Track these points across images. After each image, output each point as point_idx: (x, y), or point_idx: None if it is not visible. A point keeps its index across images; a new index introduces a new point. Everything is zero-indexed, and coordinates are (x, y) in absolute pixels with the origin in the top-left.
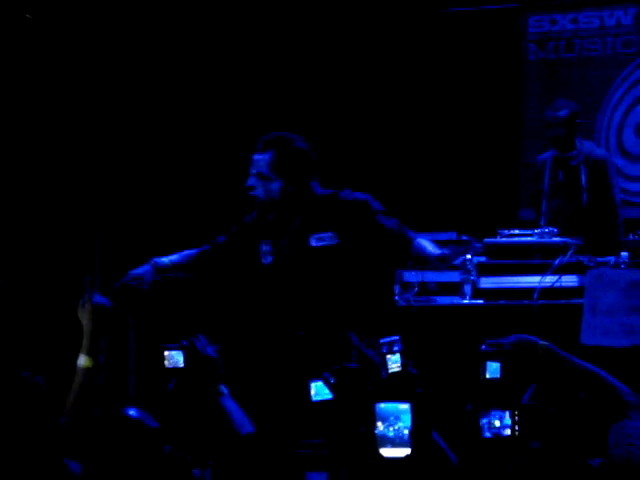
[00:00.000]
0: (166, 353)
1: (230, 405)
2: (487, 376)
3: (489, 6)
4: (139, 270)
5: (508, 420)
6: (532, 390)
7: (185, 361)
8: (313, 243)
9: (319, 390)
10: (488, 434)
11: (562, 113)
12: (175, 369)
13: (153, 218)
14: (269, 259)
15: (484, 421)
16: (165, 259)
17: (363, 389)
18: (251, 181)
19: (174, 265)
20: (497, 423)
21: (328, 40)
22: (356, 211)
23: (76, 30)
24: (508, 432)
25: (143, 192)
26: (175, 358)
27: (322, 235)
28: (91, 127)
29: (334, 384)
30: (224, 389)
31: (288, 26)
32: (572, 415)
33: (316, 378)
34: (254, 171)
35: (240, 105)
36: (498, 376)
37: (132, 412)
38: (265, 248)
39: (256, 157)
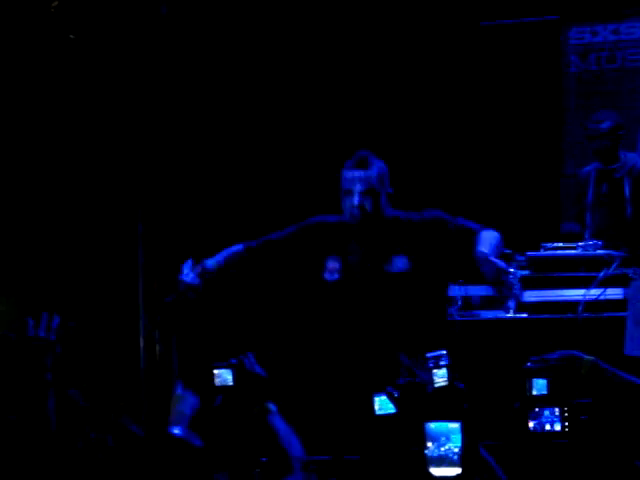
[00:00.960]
0: (215, 372)
1: (278, 423)
2: (534, 393)
3: (530, 18)
4: (189, 277)
5: (557, 416)
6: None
7: (234, 379)
8: (388, 268)
9: (383, 404)
10: (537, 429)
11: (605, 125)
12: (224, 387)
13: (195, 219)
14: (335, 277)
15: (533, 417)
16: (212, 261)
17: (426, 403)
18: (357, 199)
19: (220, 267)
20: (547, 419)
21: (372, 52)
22: (432, 229)
23: (118, 32)
24: (558, 428)
25: (184, 192)
26: (224, 376)
27: (398, 259)
28: (133, 134)
29: (398, 398)
30: (273, 407)
31: (330, 38)
32: (618, 420)
33: (380, 392)
34: (360, 188)
35: (287, 108)
36: (545, 393)
37: (177, 431)
38: (332, 265)
39: (361, 173)
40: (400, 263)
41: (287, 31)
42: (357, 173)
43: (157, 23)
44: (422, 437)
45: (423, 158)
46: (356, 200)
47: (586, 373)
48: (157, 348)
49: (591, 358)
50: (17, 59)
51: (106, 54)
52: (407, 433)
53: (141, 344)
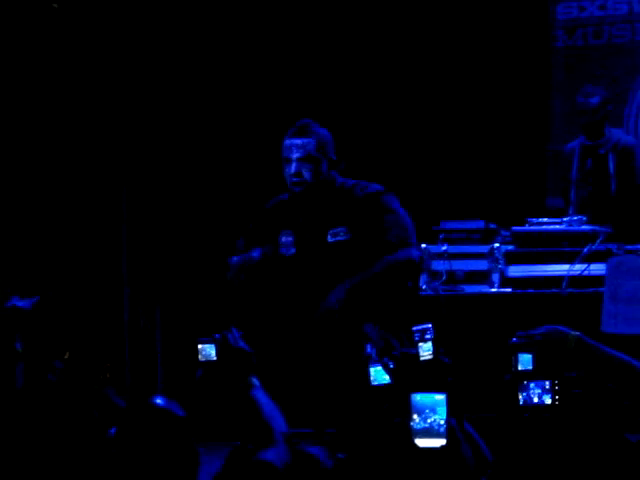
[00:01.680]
0: (199, 346)
1: (261, 397)
2: (519, 368)
3: None
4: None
5: (548, 389)
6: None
7: (217, 354)
8: (329, 239)
9: (377, 375)
10: (527, 402)
11: (594, 100)
12: (208, 362)
13: (178, 193)
14: (292, 250)
15: (523, 391)
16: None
17: (422, 374)
18: (296, 166)
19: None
20: (537, 392)
21: (356, 22)
22: (367, 205)
23: (110, 16)
24: (548, 401)
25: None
26: (207, 351)
27: (337, 230)
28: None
29: (393, 369)
30: (256, 381)
31: (303, 20)
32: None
33: (375, 363)
34: (298, 155)
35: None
36: (530, 368)
37: (159, 401)
38: (285, 239)
39: (299, 141)
40: (341, 233)
41: (281, 22)
42: (295, 141)
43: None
44: (407, 409)
45: (408, 133)
46: (293, 168)
47: (571, 348)
48: (141, 322)
49: (576, 333)
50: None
51: (94, 37)
52: (399, 404)
53: (125, 317)
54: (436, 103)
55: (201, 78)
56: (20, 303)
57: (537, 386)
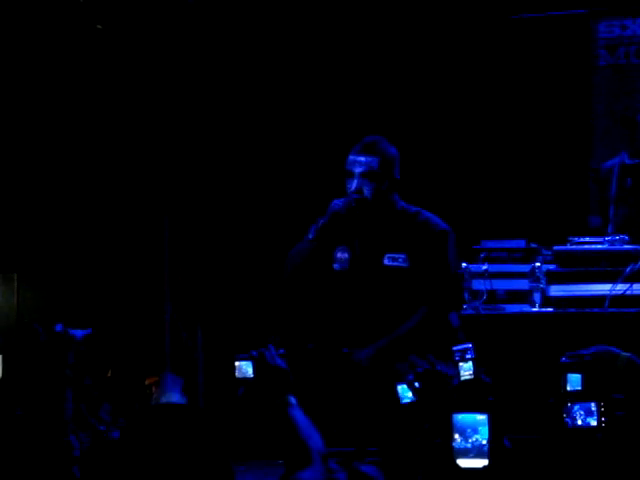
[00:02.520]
0: (236, 364)
1: (298, 416)
2: (568, 388)
3: (559, 12)
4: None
5: (594, 411)
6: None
7: (254, 371)
8: (386, 262)
9: (402, 393)
10: (573, 424)
11: None
12: (244, 379)
13: (218, 212)
14: (345, 267)
15: (569, 412)
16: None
17: (445, 393)
18: (358, 182)
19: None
20: (581, 414)
21: (400, 46)
22: (431, 239)
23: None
24: (594, 423)
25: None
26: (244, 369)
27: (396, 256)
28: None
29: (418, 388)
30: (292, 400)
31: (353, 30)
32: None
33: (401, 381)
34: (361, 171)
35: (308, 106)
36: (579, 388)
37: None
38: (341, 255)
39: (363, 158)
40: (400, 260)
41: (296, 23)
42: (360, 158)
43: (182, 19)
44: (449, 429)
45: (452, 152)
46: (355, 184)
47: (622, 369)
48: (183, 340)
49: (627, 354)
50: (41, 52)
51: (130, 51)
52: (426, 422)
53: (167, 336)
54: (481, 122)
55: (240, 99)
56: (72, 331)
57: (582, 408)
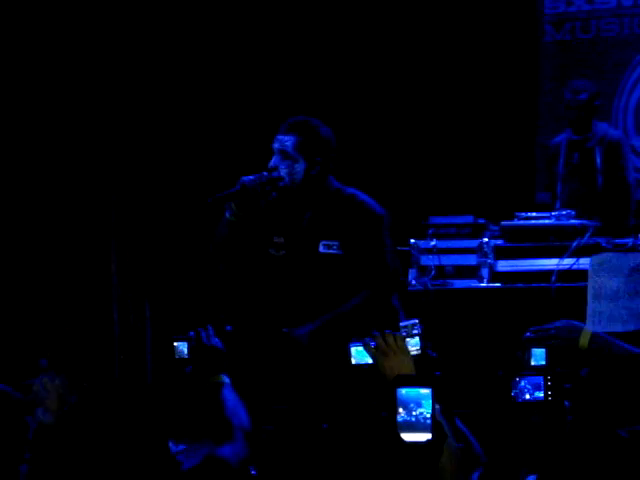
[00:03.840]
0: (175, 344)
1: (228, 394)
2: (532, 363)
3: None
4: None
5: (541, 385)
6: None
7: (189, 351)
8: (322, 250)
9: (358, 355)
10: (521, 399)
11: (583, 96)
12: (181, 359)
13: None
14: (282, 252)
15: (517, 386)
16: None
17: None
18: (275, 160)
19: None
20: (529, 388)
21: (344, 17)
22: (365, 225)
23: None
24: (541, 396)
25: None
26: (181, 349)
27: (331, 243)
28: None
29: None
30: (226, 379)
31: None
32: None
33: (356, 342)
34: (277, 149)
35: (265, 89)
36: (544, 363)
37: None
38: (277, 240)
39: (281, 137)
40: (335, 247)
41: (282, 21)
42: (280, 135)
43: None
44: (393, 403)
45: (398, 128)
46: (272, 161)
47: (584, 343)
48: (130, 317)
49: (591, 329)
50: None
51: (84, 39)
52: (381, 384)
53: (114, 314)
54: (425, 98)
55: (190, 79)
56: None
57: (529, 382)
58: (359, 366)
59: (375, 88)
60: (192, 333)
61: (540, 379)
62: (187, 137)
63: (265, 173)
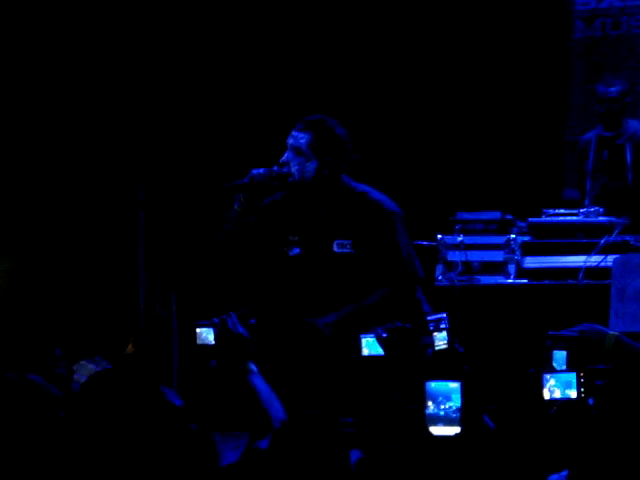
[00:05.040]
0: (197, 330)
1: (259, 384)
2: (554, 365)
3: None
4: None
5: (574, 383)
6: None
7: (215, 338)
8: (336, 249)
9: (370, 346)
10: (552, 397)
11: (614, 89)
12: (205, 346)
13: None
14: (295, 251)
15: (548, 384)
16: None
17: (414, 348)
18: (287, 156)
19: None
20: (560, 386)
21: (368, 14)
22: (378, 223)
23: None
24: (573, 394)
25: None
26: (205, 335)
27: (344, 242)
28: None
29: (386, 339)
30: (253, 367)
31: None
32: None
33: (367, 333)
34: (290, 145)
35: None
36: (564, 366)
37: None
38: (292, 238)
39: (296, 133)
40: (348, 246)
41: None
42: (294, 131)
43: None
44: (422, 396)
45: (428, 125)
46: (284, 156)
47: (609, 348)
48: (157, 308)
49: (615, 333)
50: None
51: (106, 35)
52: (393, 376)
53: (141, 303)
54: (456, 94)
55: (211, 72)
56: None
57: (560, 380)
58: (370, 357)
59: (408, 85)
60: (216, 320)
61: (572, 376)
62: (215, 128)
63: (275, 168)
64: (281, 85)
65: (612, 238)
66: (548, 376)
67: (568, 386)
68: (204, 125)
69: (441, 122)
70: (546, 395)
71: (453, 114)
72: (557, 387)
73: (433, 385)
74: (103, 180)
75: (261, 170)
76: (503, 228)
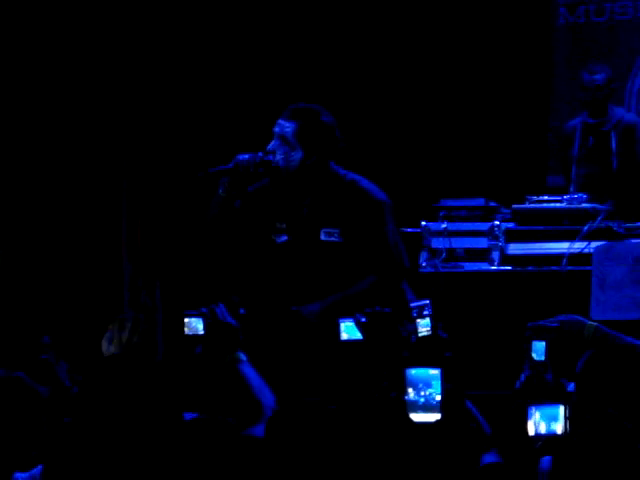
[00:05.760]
0: (186, 320)
1: (249, 372)
2: (534, 357)
3: None
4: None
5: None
6: (587, 356)
7: (204, 328)
8: (323, 237)
9: (348, 330)
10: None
11: (600, 77)
12: (195, 336)
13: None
14: (283, 238)
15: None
16: None
17: (393, 333)
18: (273, 144)
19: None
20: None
21: (354, 4)
22: (366, 212)
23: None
24: (560, 431)
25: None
26: (194, 325)
27: (331, 230)
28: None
29: (364, 324)
30: (243, 356)
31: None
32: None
33: (346, 317)
34: (276, 133)
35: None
36: (543, 358)
37: None
38: (279, 226)
39: (282, 122)
40: (336, 235)
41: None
42: (280, 120)
43: None
44: (402, 383)
45: (409, 111)
46: (270, 144)
47: (589, 338)
48: (141, 297)
49: (594, 323)
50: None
51: (91, 35)
52: (372, 360)
53: (125, 293)
54: (437, 81)
55: (199, 69)
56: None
57: (545, 413)
58: (349, 342)
59: (390, 72)
60: (205, 309)
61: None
62: (200, 118)
63: (260, 154)
64: (269, 71)
65: (596, 224)
66: (534, 409)
67: (554, 419)
68: (189, 111)
69: (425, 109)
70: (531, 430)
71: (437, 101)
72: (542, 420)
73: (413, 372)
74: (86, 167)
75: (246, 156)
76: (487, 215)
